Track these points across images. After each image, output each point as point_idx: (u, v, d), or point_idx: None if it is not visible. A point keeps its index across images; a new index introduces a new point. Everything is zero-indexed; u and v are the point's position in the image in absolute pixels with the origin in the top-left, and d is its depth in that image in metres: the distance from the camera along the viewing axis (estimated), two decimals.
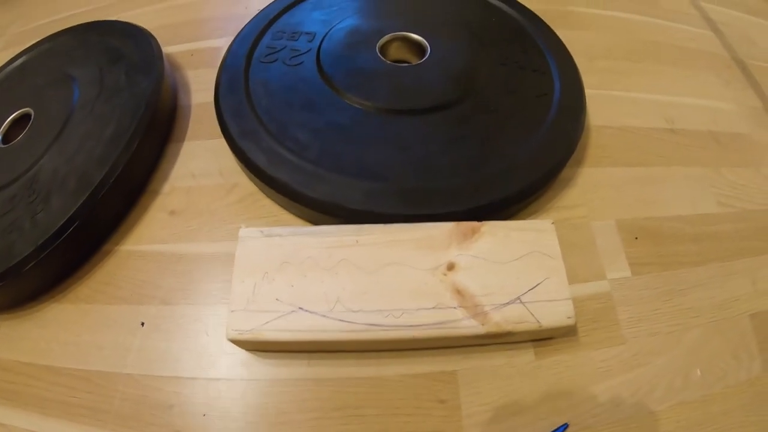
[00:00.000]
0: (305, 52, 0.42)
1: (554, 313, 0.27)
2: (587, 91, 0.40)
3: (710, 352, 0.31)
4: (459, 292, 0.27)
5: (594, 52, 0.48)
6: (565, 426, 0.28)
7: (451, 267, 0.28)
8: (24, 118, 0.41)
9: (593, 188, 0.38)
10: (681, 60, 0.49)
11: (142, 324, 0.32)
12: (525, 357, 0.30)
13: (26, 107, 0.41)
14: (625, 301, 0.32)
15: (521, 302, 0.27)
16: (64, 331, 0.32)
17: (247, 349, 0.30)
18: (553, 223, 0.30)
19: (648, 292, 0.33)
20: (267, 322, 0.26)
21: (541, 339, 0.30)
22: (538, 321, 0.27)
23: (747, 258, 0.35)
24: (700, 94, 0.46)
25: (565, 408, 0.28)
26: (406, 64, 0.42)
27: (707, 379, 0.30)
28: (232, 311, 0.27)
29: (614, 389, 0.29)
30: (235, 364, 0.30)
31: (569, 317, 0.27)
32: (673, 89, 0.46)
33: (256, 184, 0.37)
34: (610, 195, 0.37)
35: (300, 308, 0.27)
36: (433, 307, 0.27)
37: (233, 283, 0.28)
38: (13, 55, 0.47)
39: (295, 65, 0.41)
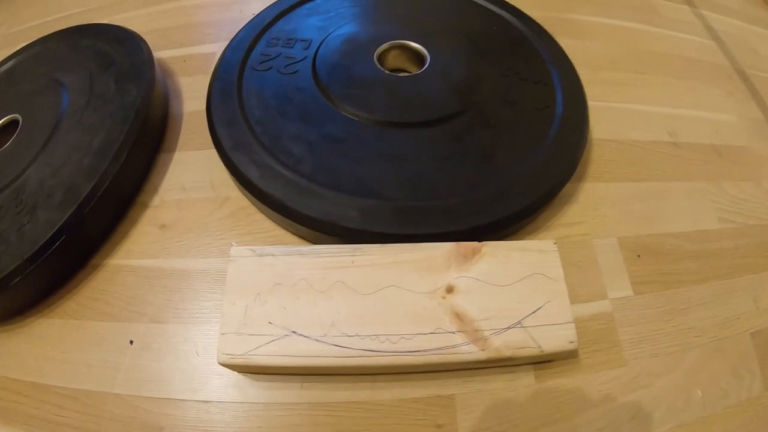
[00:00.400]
0: (300, 60, 0.40)
1: (556, 337, 0.26)
2: (589, 103, 0.39)
3: (711, 372, 0.31)
4: (458, 316, 0.27)
5: (597, 63, 0.47)
6: None
7: (450, 290, 0.27)
8: (12, 125, 0.40)
9: (595, 204, 0.37)
10: (684, 71, 0.48)
11: (131, 342, 0.31)
12: (525, 380, 0.29)
13: (14, 113, 0.40)
14: (627, 321, 0.32)
15: (522, 327, 0.26)
16: (52, 347, 0.31)
17: (239, 372, 0.29)
18: (555, 243, 0.30)
19: (649, 311, 0.32)
20: (259, 347, 0.26)
21: (542, 362, 0.30)
22: (539, 346, 0.26)
23: (748, 275, 0.35)
24: (702, 106, 0.45)
25: None
26: (405, 74, 0.41)
27: (708, 400, 0.29)
28: (223, 334, 0.26)
29: (615, 412, 0.29)
30: (226, 386, 0.29)
31: (571, 342, 0.26)
32: (676, 101, 0.45)
33: (248, 198, 0.36)
34: (612, 211, 0.37)
35: (293, 332, 0.26)
36: (432, 332, 0.26)
37: (224, 305, 0.27)
38: (2, 58, 0.46)
39: (290, 74, 0.40)
